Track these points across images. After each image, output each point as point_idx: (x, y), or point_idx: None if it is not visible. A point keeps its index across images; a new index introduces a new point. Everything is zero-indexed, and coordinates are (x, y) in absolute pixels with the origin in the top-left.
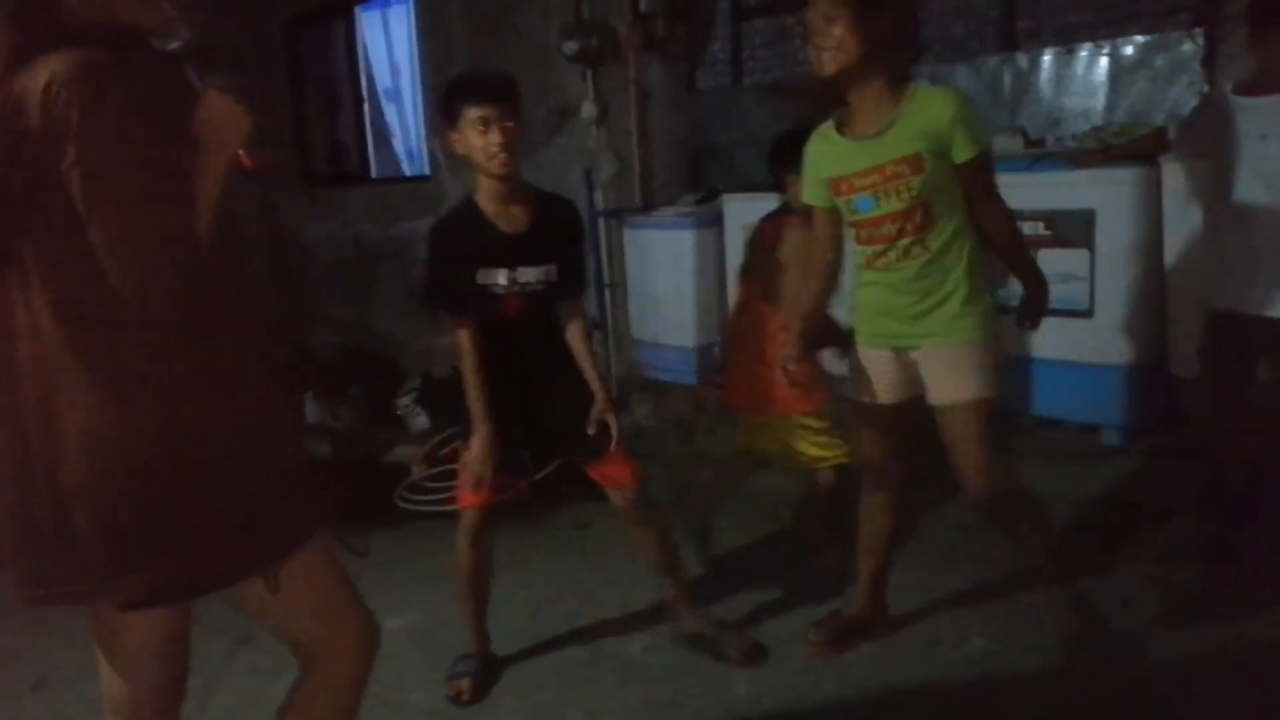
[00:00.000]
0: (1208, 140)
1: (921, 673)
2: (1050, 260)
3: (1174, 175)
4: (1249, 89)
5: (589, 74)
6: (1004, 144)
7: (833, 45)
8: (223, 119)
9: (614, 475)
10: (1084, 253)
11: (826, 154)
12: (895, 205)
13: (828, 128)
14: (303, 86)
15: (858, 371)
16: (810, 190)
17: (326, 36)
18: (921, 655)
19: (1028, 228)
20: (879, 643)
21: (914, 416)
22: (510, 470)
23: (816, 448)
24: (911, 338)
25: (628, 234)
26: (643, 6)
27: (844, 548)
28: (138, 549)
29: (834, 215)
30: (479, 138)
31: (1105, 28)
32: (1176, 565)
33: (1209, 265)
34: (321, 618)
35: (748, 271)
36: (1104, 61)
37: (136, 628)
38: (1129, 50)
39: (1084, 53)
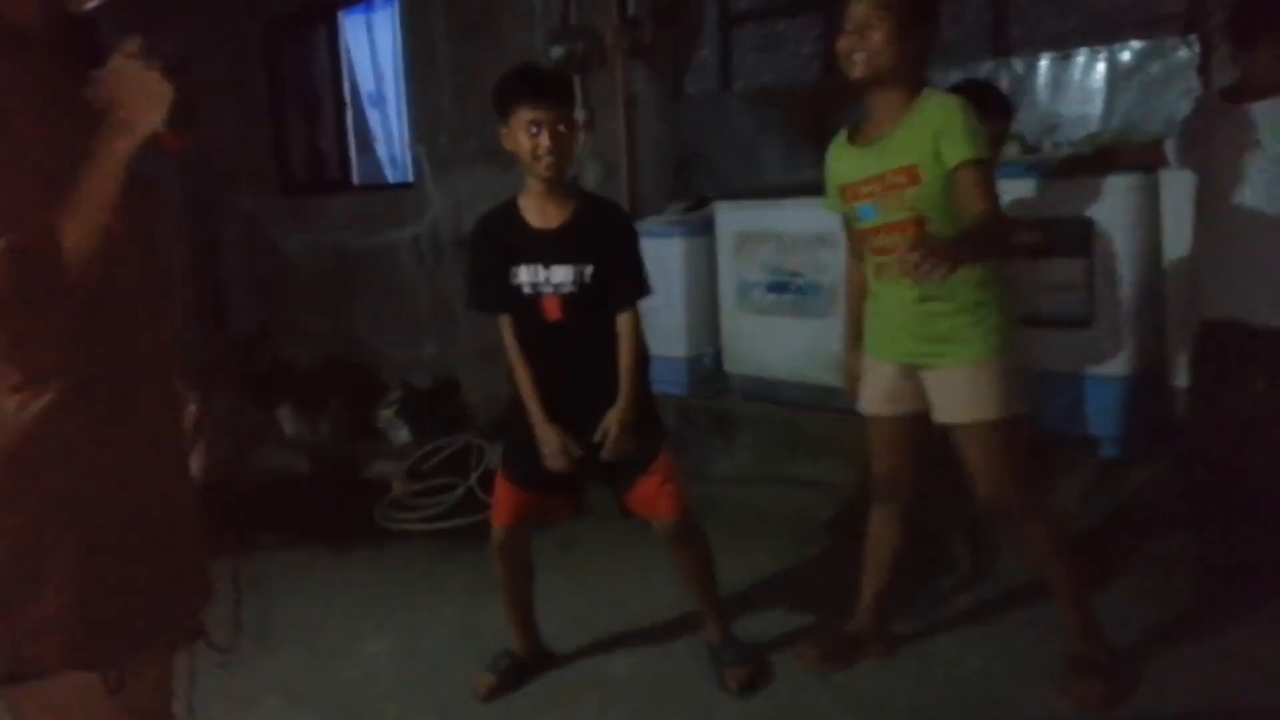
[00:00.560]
0: (1201, 148)
1: (917, 691)
2: (1047, 269)
3: (1173, 184)
4: (1235, 95)
5: (575, 80)
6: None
7: (868, 50)
8: (129, 91)
9: (652, 505)
10: (1082, 262)
11: (838, 160)
12: (895, 216)
13: (840, 135)
14: (283, 92)
15: (864, 383)
16: (829, 198)
17: (309, 41)
18: (917, 674)
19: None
20: (875, 661)
21: (925, 431)
22: (548, 489)
23: None
24: (918, 356)
25: None
26: (630, 12)
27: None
28: None
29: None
30: (529, 140)
31: (1096, 35)
32: (1174, 578)
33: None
34: None
35: None
36: (1100, 67)
37: None
38: (1125, 56)
39: (1080, 59)
